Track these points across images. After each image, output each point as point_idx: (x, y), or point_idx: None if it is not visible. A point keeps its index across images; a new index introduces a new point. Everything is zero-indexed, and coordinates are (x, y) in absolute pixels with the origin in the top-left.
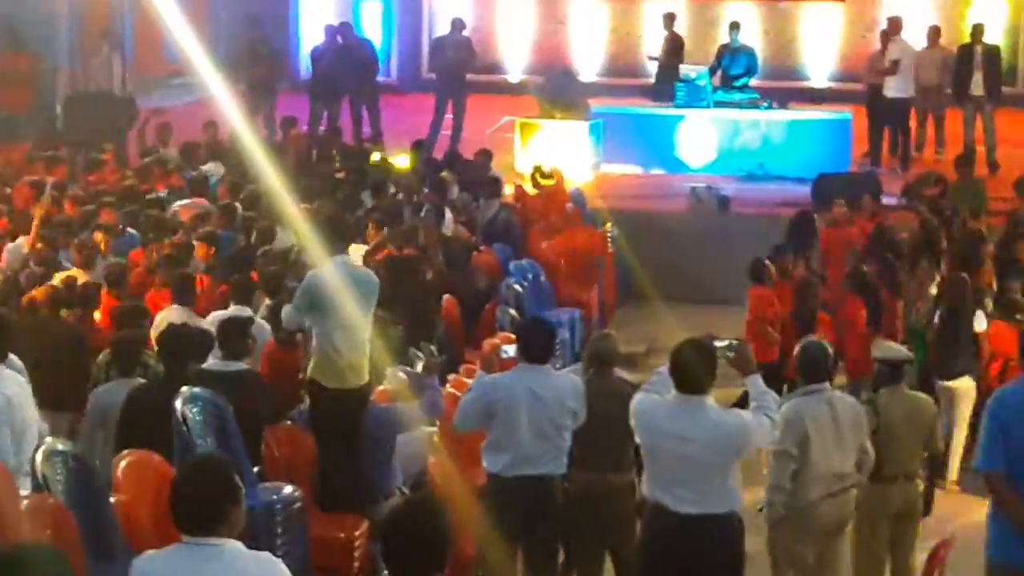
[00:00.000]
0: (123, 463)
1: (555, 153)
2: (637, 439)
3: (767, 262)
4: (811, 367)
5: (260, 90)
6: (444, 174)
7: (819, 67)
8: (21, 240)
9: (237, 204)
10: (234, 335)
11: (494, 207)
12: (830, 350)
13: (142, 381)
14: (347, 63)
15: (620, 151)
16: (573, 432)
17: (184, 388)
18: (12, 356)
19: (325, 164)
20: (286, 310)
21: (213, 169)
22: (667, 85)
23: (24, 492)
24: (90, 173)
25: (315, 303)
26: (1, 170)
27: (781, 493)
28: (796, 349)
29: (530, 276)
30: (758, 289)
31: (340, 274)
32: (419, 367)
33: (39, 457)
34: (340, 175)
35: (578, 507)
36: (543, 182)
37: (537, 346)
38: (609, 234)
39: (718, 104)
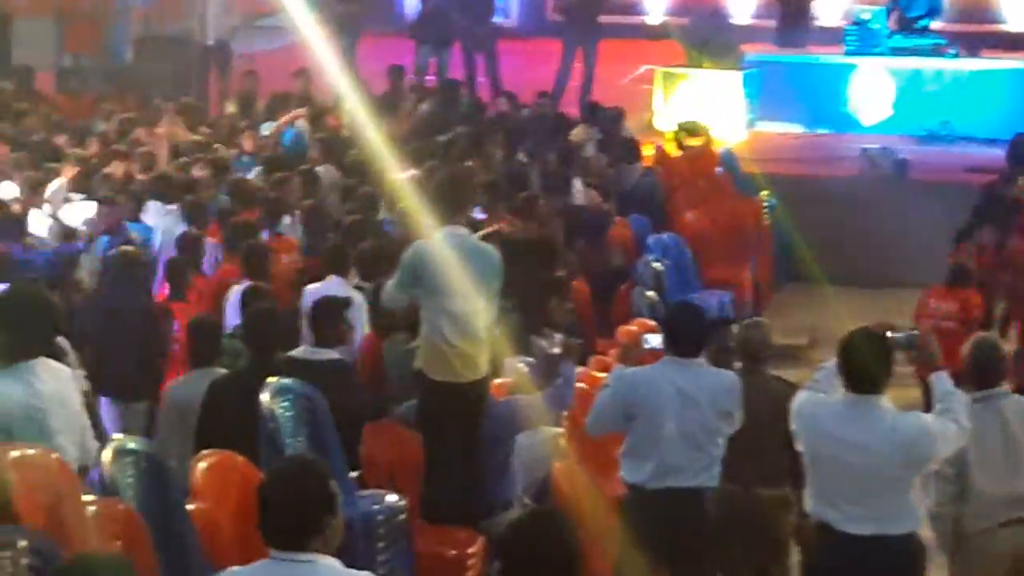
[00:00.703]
0: (202, 465)
1: (703, 108)
2: (798, 446)
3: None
4: (983, 368)
5: (346, 29)
6: (577, 131)
7: (1017, 7)
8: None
9: (320, 169)
10: (328, 319)
11: (635, 172)
12: (1004, 349)
13: (222, 372)
14: (459, 2)
15: (779, 106)
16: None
17: (271, 379)
18: (61, 342)
19: (436, 121)
20: (386, 287)
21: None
22: (794, 25)
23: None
24: (152, 126)
25: (419, 279)
26: (67, 123)
27: (940, 521)
28: (965, 347)
29: (672, 252)
30: (957, 290)
31: (451, 247)
32: (551, 348)
33: (107, 457)
34: (454, 133)
35: (721, 525)
36: (689, 142)
37: (686, 336)
38: (765, 203)
39: (895, 51)
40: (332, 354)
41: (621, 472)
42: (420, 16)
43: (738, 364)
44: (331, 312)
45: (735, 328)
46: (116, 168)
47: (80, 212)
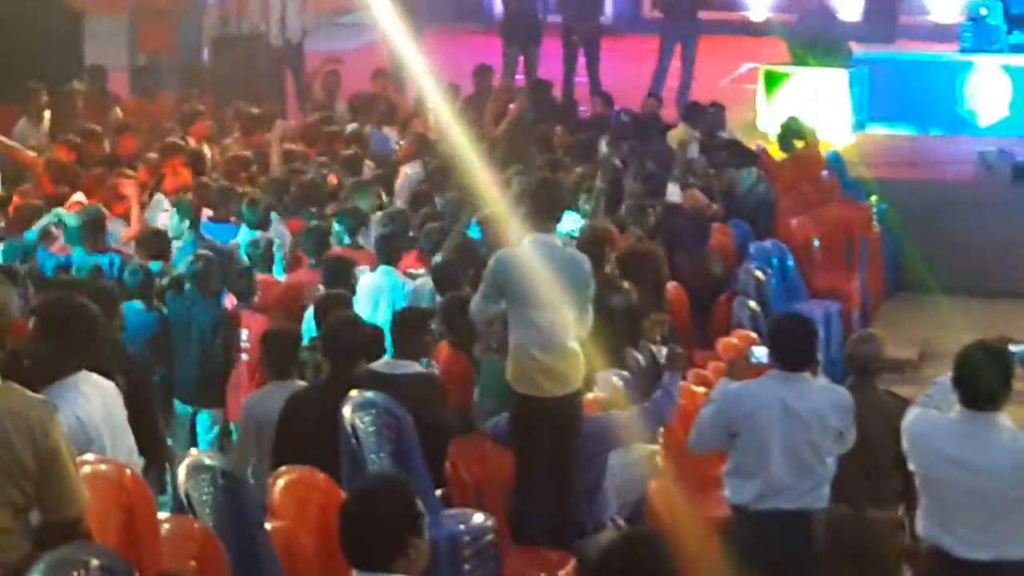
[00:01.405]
0: (281, 482)
1: (809, 109)
2: (910, 466)
3: None
4: None
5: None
6: (677, 131)
7: None
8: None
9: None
10: (411, 330)
11: (749, 178)
12: None
13: (300, 384)
14: None
15: (889, 106)
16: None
17: (353, 392)
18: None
19: (528, 124)
20: (474, 300)
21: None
22: (880, 17)
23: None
24: (252, 132)
25: (504, 289)
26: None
27: None
28: None
29: (775, 260)
30: None
31: (539, 255)
32: (656, 355)
33: (182, 473)
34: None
35: (830, 548)
36: (795, 144)
37: (794, 349)
38: (875, 209)
39: (1014, 48)
40: (415, 367)
41: (724, 492)
42: (506, 13)
43: (849, 379)
44: (415, 322)
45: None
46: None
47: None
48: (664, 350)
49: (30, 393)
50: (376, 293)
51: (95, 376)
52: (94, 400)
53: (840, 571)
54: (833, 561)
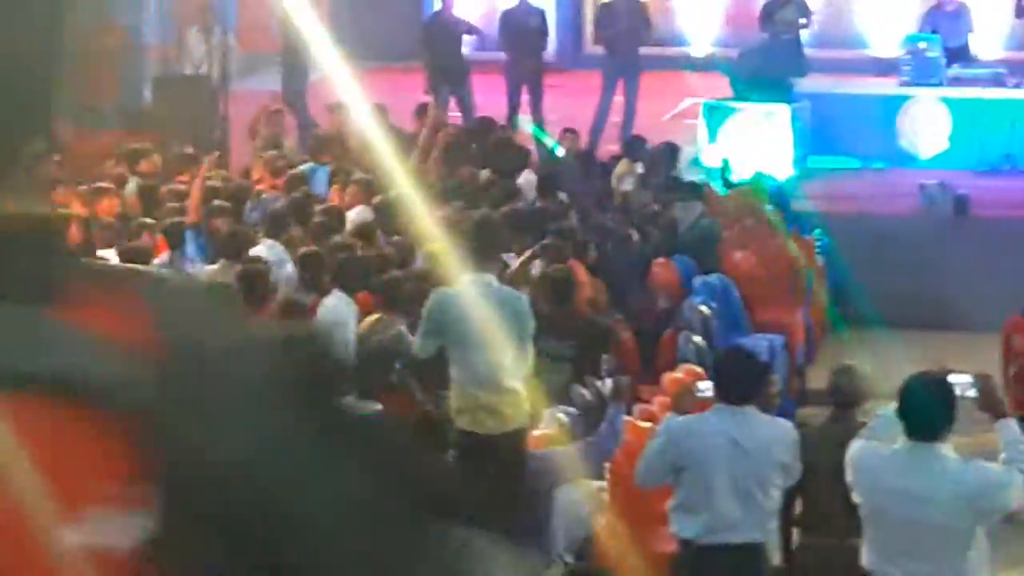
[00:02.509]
0: None
1: (751, 143)
2: (855, 497)
3: None
4: None
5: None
6: (621, 166)
7: None
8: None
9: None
10: (375, 367)
11: (694, 212)
12: None
13: None
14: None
15: (831, 140)
16: (803, 489)
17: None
18: None
19: (469, 158)
20: (415, 340)
21: None
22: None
23: None
24: (180, 172)
25: (442, 329)
26: (82, 164)
27: None
28: None
29: (720, 294)
30: None
31: (475, 295)
32: (601, 390)
33: None
34: (486, 172)
35: None
36: (736, 179)
37: (737, 382)
38: (818, 243)
39: (953, 81)
40: (377, 406)
41: (671, 527)
42: (428, 54)
43: (831, 411)
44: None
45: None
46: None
47: None
48: (608, 382)
49: None
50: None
51: None
52: None
53: None
54: None
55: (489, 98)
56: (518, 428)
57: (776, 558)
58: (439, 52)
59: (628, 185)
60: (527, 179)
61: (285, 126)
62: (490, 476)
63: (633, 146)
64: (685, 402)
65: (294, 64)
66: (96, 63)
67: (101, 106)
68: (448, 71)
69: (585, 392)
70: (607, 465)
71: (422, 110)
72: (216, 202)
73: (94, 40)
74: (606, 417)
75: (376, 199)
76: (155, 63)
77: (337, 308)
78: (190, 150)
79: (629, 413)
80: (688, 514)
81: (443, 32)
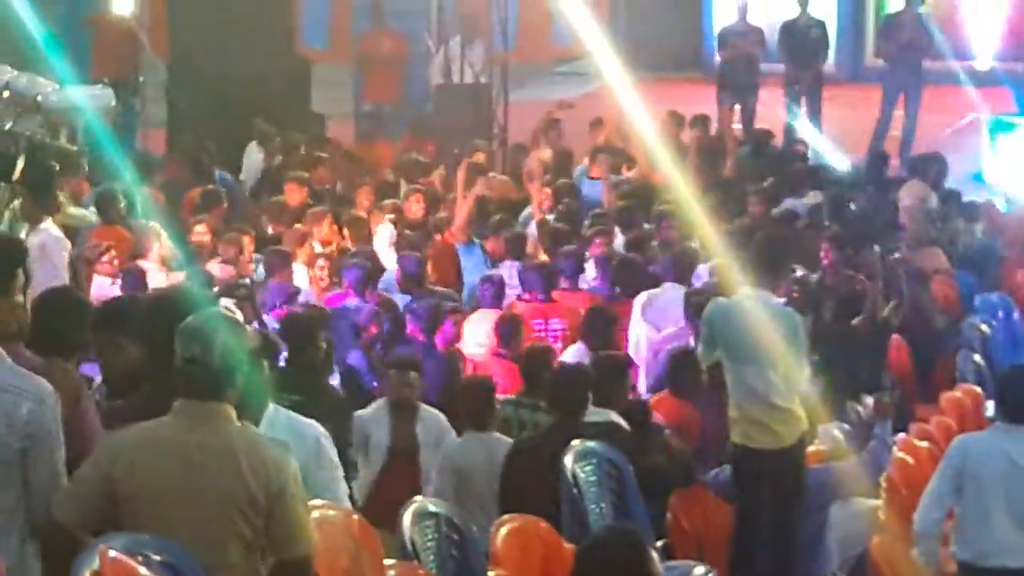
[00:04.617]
0: (504, 530)
1: None
2: None
3: None
4: None
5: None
6: (912, 185)
7: None
8: None
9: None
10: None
11: (974, 233)
12: None
13: (498, 436)
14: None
15: None
16: None
17: (575, 442)
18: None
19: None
20: (698, 345)
21: None
22: None
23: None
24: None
25: (718, 340)
26: (364, 168)
27: None
28: None
29: (1001, 313)
30: None
31: (748, 307)
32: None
33: (407, 519)
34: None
35: None
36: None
37: (1018, 400)
38: None
39: None
40: (610, 415)
41: (951, 548)
42: (723, 60)
43: None
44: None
45: None
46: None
47: None
48: (870, 400)
49: (263, 434)
50: None
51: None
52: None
53: None
54: None
55: (767, 110)
56: (794, 444)
57: None
58: (731, 60)
59: (933, 203)
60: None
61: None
62: (766, 490)
63: (917, 165)
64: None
65: None
66: (375, 66)
67: (382, 111)
68: (738, 81)
69: (860, 408)
70: (882, 483)
71: (700, 121)
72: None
73: (372, 44)
74: (874, 433)
75: (657, 208)
76: (438, 71)
77: None
78: (480, 158)
79: (897, 431)
80: (966, 535)
81: (738, 40)
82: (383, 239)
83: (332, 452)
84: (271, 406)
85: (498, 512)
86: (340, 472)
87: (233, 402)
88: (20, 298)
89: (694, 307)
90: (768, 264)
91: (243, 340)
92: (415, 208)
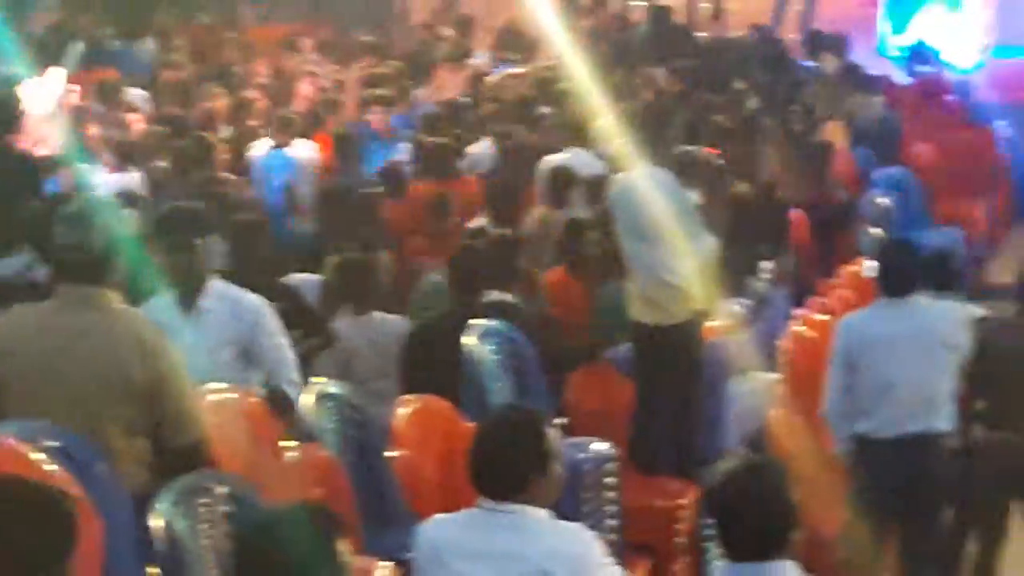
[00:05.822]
0: (405, 410)
1: (934, 32)
2: None
3: None
4: None
5: None
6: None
7: None
8: None
9: None
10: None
11: (875, 106)
12: None
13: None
14: None
15: (1018, 28)
16: (986, 382)
17: (477, 321)
18: None
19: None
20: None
21: None
22: None
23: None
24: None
25: (619, 218)
26: None
27: None
28: None
29: (900, 187)
30: None
31: (640, 185)
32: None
33: (308, 401)
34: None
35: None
36: (919, 69)
37: (899, 274)
38: (1002, 134)
39: None
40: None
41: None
42: None
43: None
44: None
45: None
46: None
47: None
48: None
49: (145, 317)
50: None
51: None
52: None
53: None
54: (1006, 492)
55: None
56: (692, 318)
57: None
58: None
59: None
60: None
61: None
62: (666, 366)
63: (814, 40)
64: None
65: None
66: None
67: None
68: None
69: (760, 284)
70: (781, 358)
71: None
72: None
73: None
74: (768, 301)
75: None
76: None
77: None
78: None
79: (801, 303)
80: (861, 410)
81: None
82: None
83: (275, 321)
84: (213, 278)
85: (399, 392)
86: (286, 340)
87: (114, 287)
88: None
89: None
90: (649, 137)
91: (124, 225)
92: None
